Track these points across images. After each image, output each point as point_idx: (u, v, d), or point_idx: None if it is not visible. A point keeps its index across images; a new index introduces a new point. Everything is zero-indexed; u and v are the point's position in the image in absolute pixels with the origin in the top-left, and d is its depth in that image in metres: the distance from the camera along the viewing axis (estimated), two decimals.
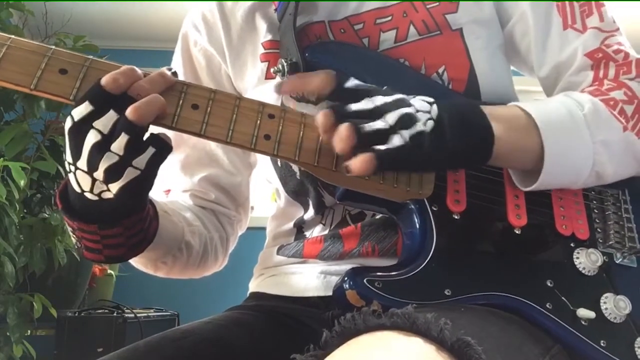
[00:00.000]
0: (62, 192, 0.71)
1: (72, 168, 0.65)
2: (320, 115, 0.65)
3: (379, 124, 0.64)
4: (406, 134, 0.63)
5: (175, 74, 0.67)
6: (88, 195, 0.66)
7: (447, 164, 0.71)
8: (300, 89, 0.68)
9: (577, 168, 0.74)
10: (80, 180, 0.65)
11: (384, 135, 0.64)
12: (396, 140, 0.63)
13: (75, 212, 0.70)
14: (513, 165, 0.75)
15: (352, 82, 0.69)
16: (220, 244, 0.97)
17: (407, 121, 0.64)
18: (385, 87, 0.69)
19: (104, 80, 0.63)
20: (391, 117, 0.64)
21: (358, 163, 0.62)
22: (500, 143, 0.69)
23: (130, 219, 0.71)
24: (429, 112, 0.66)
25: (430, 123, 0.65)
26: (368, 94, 0.67)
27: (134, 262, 0.85)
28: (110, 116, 0.62)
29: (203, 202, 0.97)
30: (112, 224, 0.69)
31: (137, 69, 0.66)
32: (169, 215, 0.84)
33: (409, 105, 0.66)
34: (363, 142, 0.63)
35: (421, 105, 0.67)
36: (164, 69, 0.67)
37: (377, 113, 0.65)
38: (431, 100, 0.68)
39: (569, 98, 0.77)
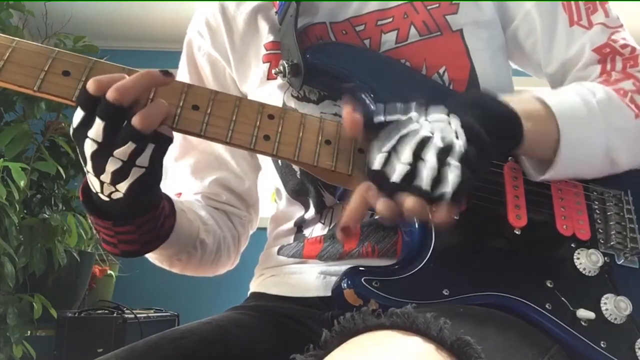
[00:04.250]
0: (85, 186, 0.72)
1: (85, 170, 0.67)
2: (379, 206, 0.61)
3: (428, 173, 0.60)
4: (455, 165, 0.60)
5: (166, 72, 0.66)
6: (101, 196, 0.68)
7: (491, 160, 0.71)
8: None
9: (592, 155, 0.75)
10: (92, 182, 0.67)
11: (439, 180, 0.60)
12: (453, 178, 0.60)
13: (94, 207, 0.71)
14: (532, 153, 0.76)
15: (378, 118, 0.65)
16: (232, 243, 0.98)
17: (445, 153, 0.61)
18: (404, 113, 0.65)
19: (89, 83, 0.63)
20: (432, 160, 0.60)
21: (442, 216, 0.60)
22: (525, 129, 0.69)
23: (142, 218, 0.72)
24: (451, 126, 0.63)
25: (462, 137, 0.62)
26: (390, 150, 0.62)
27: (150, 257, 0.87)
28: (98, 123, 0.62)
29: (215, 204, 0.98)
30: (125, 222, 0.71)
31: (126, 75, 0.64)
32: (185, 213, 0.85)
33: (433, 132, 0.62)
34: (429, 194, 0.60)
35: (442, 126, 0.63)
36: (154, 70, 0.66)
37: (416, 158, 0.61)
38: (445, 112, 0.65)
39: (582, 87, 0.78)
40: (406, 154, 0.61)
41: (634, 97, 0.78)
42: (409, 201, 0.59)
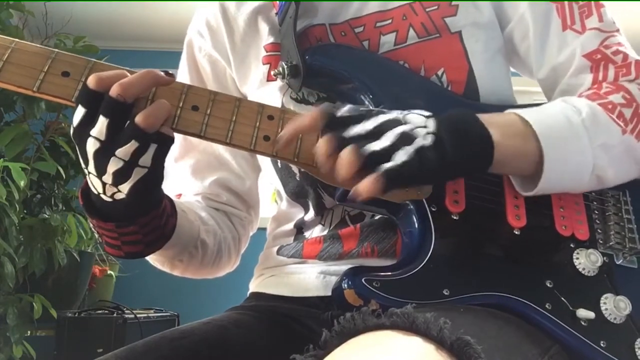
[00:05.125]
0: (84, 189, 0.72)
1: (86, 172, 0.66)
2: (320, 143, 0.63)
3: (380, 144, 0.62)
4: (409, 149, 0.62)
5: (168, 73, 0.67)
6: (103, 197, 0.68)
7: (449, 175, 0.70)
8: (295, 136, 0.67)
9: (577, 173, 0.73)
10: (94, 183, 0.67)
11: (386, 154, 0.62)
12: (400, 157, 0.62)
13: (95, 210, 0.71)
14: (513, 172, 0.75)
15: (345, 109, 0.66)
16: (233, 244, 0.98)
17: (406, 138, 0.63)
18: (379, 107, 0.67)
19: (89, 79, 0.63)
20: (390, 136, 0.63)
21: (367, 185, 0.60)
22: (499, 150, 0.68)
23: (145, 218, 0.72)
24: (426, 126, 0.65)
25: (430, 137, 0.64)
26: (363, 117, 0.65)
27: (152, 260, 0.87)
28: (102, 121, 0.62)
29: (215, 204, 0.98)
30: (128, 223, 0.70)
31: (127, 72, 0.65)
32: (185, 214, 0.85)
33: (406, 122, 0.65)
34: (367, 164, 0.61)
35: (418, 120, 0.65)
36: (157, 70, 0.67)
37: (376, 134, 0.63)
38: (427, 114, 0.67)
39: (566, 103, 0.77)
40: (372, 122, 0.64)
41: (622, 112, 0.76)
42: (345, 151, 0.62)
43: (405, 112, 0.67)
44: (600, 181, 0.75)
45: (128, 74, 0.65)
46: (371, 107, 0.68)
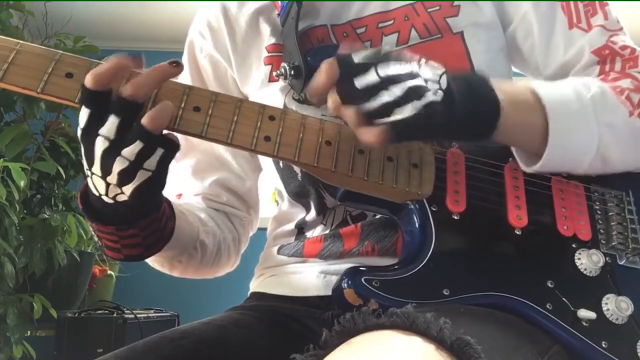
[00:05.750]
0: (83, 193, 0.72)
1: (89, 173, 0.66)
2: (328, 99, 0.64)
3: (385, 98, 0.62)
4: (418, 104, 0.62)
5: (176, 63, 0.66)
6: (105, 198, 0.68)
7: (455, 134, 0.70)
8: (316, 93, 0.66)
9: (582, 148, 0.74)
10: (96, 184, 0.67)
11: (391, 108, 0.62)
12: (407, 111, 0.62)
13: (94, 214, 0.71)
14: (517, 142, 0.75)
15: (358, 57, 0.65)
16: (232, 244, 0.98)
17: (415, 93, 0.62)
18: (395, 52, 0.66)
19: (86, 79, 0.63)
20: (399, 89, 0.62)
21: (372, 135, 0.61)
22: (506, 116, 0.68)
23: (145, 221, 0.72)
24: (438, 82, 0.64)
25: (440, 93, 0.63)
26: (379, 63, 0.64)
27: (151, 261, 0.87)
28: (112, 121, 0.62)
29: (215, 205, 0.98)
30: (128, 226, 0.71)
31: (122, 57, 0.64)
32: (184, 215, 0.85)
33: (418, 75, 0.64)
34: (371, 117, 0.62)
35: (431, 75, 0.65)
36: (163, 63, 0.66)
37: (385, 85, 0.63)
38: (441, 70, 0.66)
39: (578, 81, 0.77)
40: (383, 72, 0.63)
41: (630, 95, 0.77)
42: (347, 110, 0.63)
43: (422, 62, 0.66)
44: (605, 161, 0.75)
45: (123, 61, 0.63)
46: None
